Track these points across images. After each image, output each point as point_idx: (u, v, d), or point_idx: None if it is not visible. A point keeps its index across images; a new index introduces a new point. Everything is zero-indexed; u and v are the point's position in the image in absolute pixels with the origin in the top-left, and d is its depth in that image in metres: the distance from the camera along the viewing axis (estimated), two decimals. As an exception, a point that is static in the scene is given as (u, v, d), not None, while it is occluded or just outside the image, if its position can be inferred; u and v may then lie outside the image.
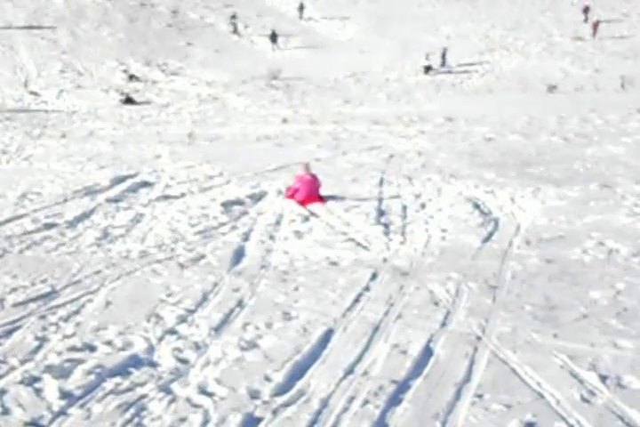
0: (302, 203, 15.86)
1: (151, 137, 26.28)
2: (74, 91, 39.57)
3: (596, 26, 48.90)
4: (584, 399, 6.97)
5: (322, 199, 16.08)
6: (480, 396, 7.01)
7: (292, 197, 16.15)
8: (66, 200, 16.01)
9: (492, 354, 7.95)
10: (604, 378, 7.36)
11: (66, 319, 9.01)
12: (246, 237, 13.36)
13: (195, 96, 39.14)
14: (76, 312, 9.28)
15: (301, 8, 53.91)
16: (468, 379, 7.39)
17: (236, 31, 50.62)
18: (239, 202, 15.97)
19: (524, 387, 7.22)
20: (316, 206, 15.51)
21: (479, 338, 8.40)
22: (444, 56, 45.24)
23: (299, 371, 7.58)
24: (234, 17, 50.81)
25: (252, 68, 44.07)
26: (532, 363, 7.67)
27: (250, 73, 43.30)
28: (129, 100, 37.31)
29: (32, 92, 39.26)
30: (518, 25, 52.47)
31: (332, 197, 16.30)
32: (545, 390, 7.13)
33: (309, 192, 16.07)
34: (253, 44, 49.63)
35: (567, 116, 29.97)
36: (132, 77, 41.88)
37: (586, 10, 51.85)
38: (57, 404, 6.86)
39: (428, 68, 44.06)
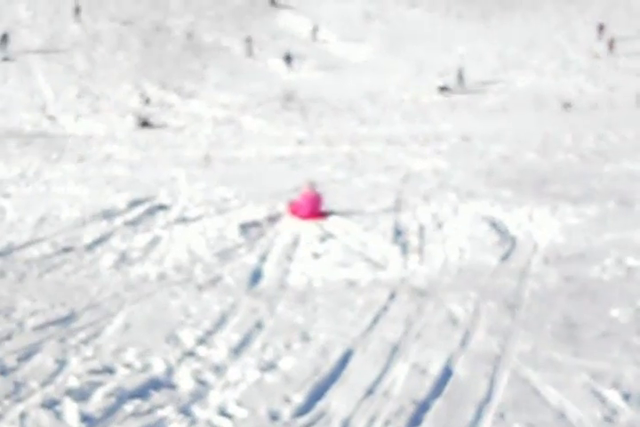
0: (305, 219, 16.22)
1: (168, 160, 26.39)
2: (91, 115, 39.80)
3: (611, 43, 48.90)
4: (606, 418, 6.92)
5: (323, 216, 16.44)
6: (501, 415, 6.97)
7: (294, 212, 16.46)
8: (84, 224, 16.07)
9: (512, 373, 7.90)
10: (626, 396, 7.30)
11: (85, 342, 9.02)
12: (264, 258, 13.38)
13: (210, 118, 39.28)
14: (96, 335, 9.29)
15: (315, 30, 54.16)
16: (488, 398, 7.35)
17: (250, 53, 50.87)
18: (256, 223, 16.01)
19: (545, 406, 7.17)
20: (332, 227, 15.54)
21: (499, 357, 8.36)
22: (460, 75, 45.28)
23: (319, 392, 7.55)
24: (249, 40, 51.08)
25: (266, 89, 44.22)
26: (554, 382, 7.62)
27: (265, 95, 43.44)
28: (145, 124, 37.49)
29: (49, 117, 39.51)
30: (532, 43, 52.49)
31: (334, 213, 16.62)
32: (567, 409, 7.08)
33: (312, 209, 16.44)
34: (268, 66, 49.85)
35: (583, 133, 29.94)
36: (147, 101, 42.11)
37: (601, 27, 51.87)
38: (77, 427, 6.87)
39: (442, 88, 44.10)
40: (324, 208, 16.82)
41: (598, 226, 15.00)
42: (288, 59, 48.70)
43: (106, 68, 46.90)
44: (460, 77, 45.05)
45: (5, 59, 47.36)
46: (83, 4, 55.30)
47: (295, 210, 16.53)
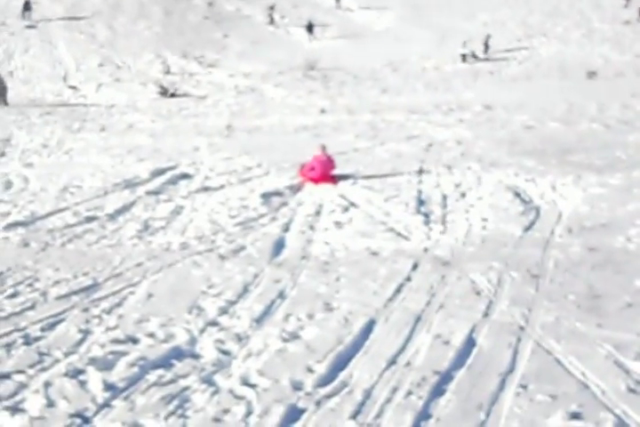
0: (315, 181, 16.69)
1: (190, 129, 26.35)
2: (112, 84, 39.78)
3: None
4: (630, 390, 6.88)
5: (334, 180, 16.84)
6: (524, 386, 6.94)
7: (305, 175, 16.92)
8: (106, 193, 16.10)
9: (535, 344, 7.88)
10: (650, 368, 7.27)
11: (108, 312, 9.06)
12: (286, 228, 13.36)
13: (232, 88, 39.17)
14: (119, 305, 9.33)
15: (338, -3, 53.80)
16: (511, 369, 7.32)
17: (272, 22, 50.57)
18: (278, 193, 15.98)
19: (568, 377, 7.14)
20: (355, 196, 15.49)
21: (522, 328, 8.33)
22: (486, 43, 44.94)
23: (341, 362, 7.55)
24: (272, 8, 50.78)
25: (288, 58, 44.03)
26: (577, 353, 7.59)
27: (287, 64, 43.26)
28: (168, 94, 37.40)
29: (71, 87, 39.53)
30: (557, 11, 51.90)
31: (345, 177, 17.09)
32: (590, 381, 7.05)
33: (323, 172, 16.87)
34: (290, 34, 49.59)
35: (608, 102, 29.62)
36: (167, 71, 42.02)
37: (627, -6, 51.17)
38: (101, 396, 6.89)
39: (465, 56, 43.79)
40: (335, 172, 17.18)
41: (623, 196, 14.89)
42: (310, 27, 48.39)
43: (127, 38, 46.83)
44: (486, 45, 44.67)
45: (29, 26, 47.43)
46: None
47: (307, 172, 16.91)
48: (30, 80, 40.28)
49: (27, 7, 48.30)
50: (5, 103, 34.29)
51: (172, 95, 37.25)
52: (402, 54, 44.88)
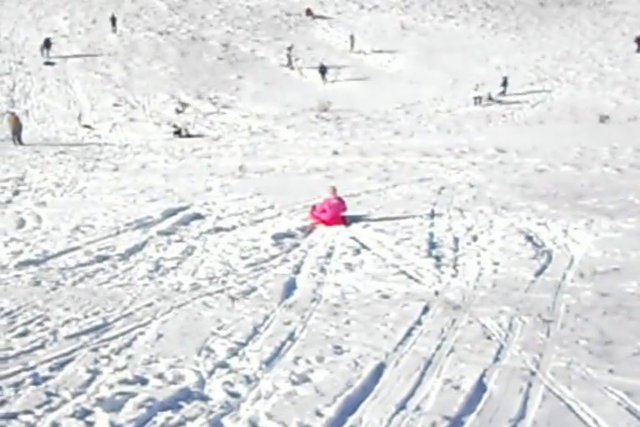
0: (327, 224, 16.86)
1: (202, 170, 26.48)
2: (127, 124, 40.10)
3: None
4: (642, 437, 6.81)
5: (345, 221, 17.02)
6: (535, 433, 6.88)
7: (316, 217, 17.09)
8: (118, 233, 16.15)
9: (546, 390, 7.80)
10: (662, 415, 7.19)
11: (117, 352, 9.03)
12: (297, 270, 13.34)
13: (245, 129, 39.42)
14: (128, 345, 9.30)
15: (353, 40, 54.22)
16: (522, 415, 7.25)
17: (290, 63, 50.94)
18: (290, 234, 16.00)
19: (579, 424, 7.06)
20: (366, 239, 15.49)
21: (533, 373, 8.26)
22: (504, 84, 45.33)
23: (350, 406, 7.49)
24: (290, 48, 51.23)
25: (302, 100, 44.32)
26: (588, 399, 7.51)
27: (300, 105, 43.54)
28: (181, 134, 37.66)
29: (85, 126, 39.86)
30: (569, 55, 52.23)
31: (357, 219, 17.29)
32: (602, 428, 6.98)
33: (335, 214, 17.06)
34: (303, 76, 49.94)
35: (620, 146, 29.65)
36: (183, 106, 42.33)
37: (639, 40, 51.47)
38: (108, 437, 6.85)
39: (477, 99, 44.05)
40: (345, 213, 17.30)
41: (635, 240, 14.82)
42: (323, 69, 48.77)
43: (142, 78, 47.26)
44: (505, 86, 45.08)
45: (47, 63, 48.05)
46: (119, 14, 55.86)
47: (318, 215, 17.05)
48: (45, 119, 40.68)
49: (47, 45, 49.04)
50: (20, 142, 34.57)
51: (188, 136, 37.53)
52: (414, 97, 45.15)
